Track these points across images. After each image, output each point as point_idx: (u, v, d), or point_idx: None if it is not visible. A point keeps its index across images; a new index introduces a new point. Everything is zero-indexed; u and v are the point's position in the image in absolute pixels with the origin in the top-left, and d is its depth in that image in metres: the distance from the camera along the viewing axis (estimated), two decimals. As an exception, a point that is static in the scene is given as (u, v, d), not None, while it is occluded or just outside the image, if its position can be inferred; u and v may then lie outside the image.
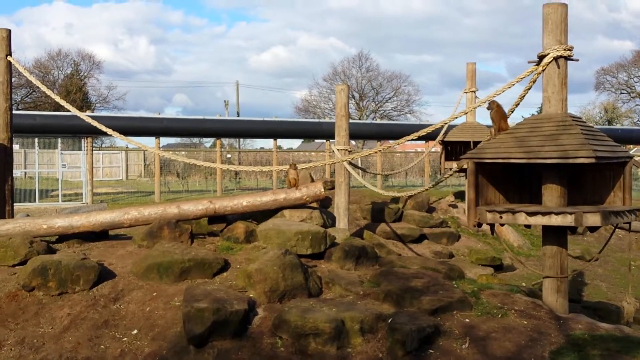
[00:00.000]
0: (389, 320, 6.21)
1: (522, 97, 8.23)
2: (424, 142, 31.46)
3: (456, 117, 9.77)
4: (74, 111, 10.75)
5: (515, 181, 7.93)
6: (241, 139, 53.04)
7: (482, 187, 7.59)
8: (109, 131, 10.71)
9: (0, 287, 6.95)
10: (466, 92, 20.01)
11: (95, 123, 10.52)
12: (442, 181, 9.67)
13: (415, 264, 8.58)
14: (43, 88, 10.97)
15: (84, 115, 10.87)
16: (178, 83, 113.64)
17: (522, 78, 8.00)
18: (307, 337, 5.99)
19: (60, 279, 6.85)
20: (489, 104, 8.03)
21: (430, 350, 5.96)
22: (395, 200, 18.81)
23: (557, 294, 7.43)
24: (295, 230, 8.02)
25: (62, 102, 10.61)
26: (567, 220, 6.92)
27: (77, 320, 6.46)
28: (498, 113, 7.90)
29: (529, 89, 7.99)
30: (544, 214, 7.04)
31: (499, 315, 6.73)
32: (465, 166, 7.46)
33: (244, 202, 9.00)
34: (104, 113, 47.06)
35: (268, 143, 55.10)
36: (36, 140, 26.70)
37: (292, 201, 9.16)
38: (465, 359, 5.84)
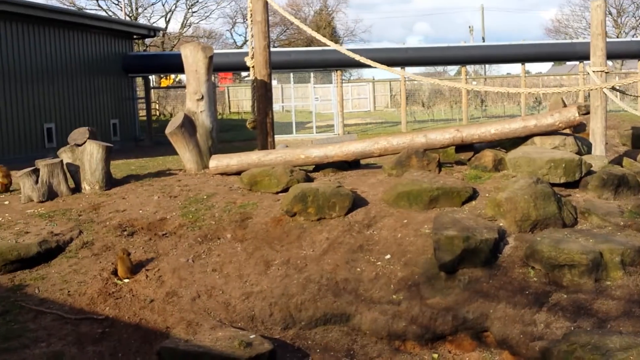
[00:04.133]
0: (654, 254, 5.81)
1: None
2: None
3: None
4: (330, 44, 11.04)
5: None
6: (486, 66, 51.52)
7: None
8: (369, 62, 10.69)
9: (267, 212, 7.62)
10: None
11: (352, 54, 10.57)
12: None
13: (685, 193, 7.82)
14: (297, 23, 11.48)
15: (341, 48, 11.14)
16: (418, 12, 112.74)
17: None
18: (562, 269, 5.82)
19: (319, 205, 7.32)
20: None
21: (702, 288, 5.49)
22: (660, 124, 17.17)
23: None
24: (547, 158, 7.71)
25: (317, 35, 10.92)
26: None
27: (334, 244, 6.90)
28: None
29: None
30: None
31: None
32: None
33: (491, 129, 8.82)
34: (351, 46, 48.43)
35: (515, 68, 52.82)
36: (291, 75, 28.33)
37: (543, 128, 8.78)
38: None
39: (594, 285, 5.70)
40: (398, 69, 25.92)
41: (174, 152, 10.18)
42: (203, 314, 6.19)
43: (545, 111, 9.10)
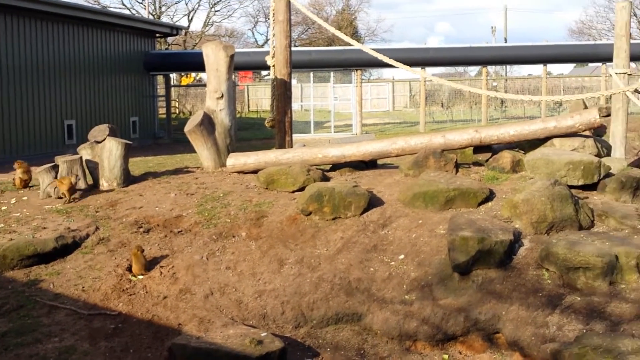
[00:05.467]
0: (671, 258, 5.73)
1: None
2: None
3: None
4: (354, 43, 11.00)
5: None
6: (507, 66, 51.21)
7: None
8: (391, 61, 10.65)
9: (282, 210, 7.63)
10: None
11: (375, 54, 10.56)
12: None
13: None
14: (320, 22, 11.45)
15: (365, 47, 11.09)
16: (440, 12, 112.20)
17: None
18: (576, 271, 5.77)
19: (334, 204, 7.32)
20: None
21: None
22: (683, 127, 16.96)
23: None
24: (565, 160, 7.64)
25: (340, 35, 10.88)
26: None
27: (349, 244, 6.89)
28: None
29: None
30: None
31: None
32: None
33: (510, 131, 8.76)
34: (372, 46, 48.35)
35: (537, 69, 52.34)
36: (311, 74, 28.35)
37: (563, 130, 8.71)
38: None
39: (608, 288, 5.64)
40: (419, 69, 25.83)
41: (192, 150, 10.24)
42: (215, 311, 6.21)
43: (565, 113, 9.01)
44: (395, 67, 11.04)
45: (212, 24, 55.73)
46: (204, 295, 6.42)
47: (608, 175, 7.71)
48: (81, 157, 8.84)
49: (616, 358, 4.43)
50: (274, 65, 10.89)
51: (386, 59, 10.18)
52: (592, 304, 5.48)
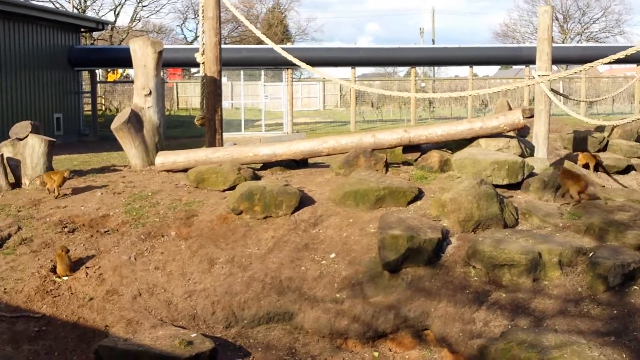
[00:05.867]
0: (590, 255, 5.95)
1: None
2: (635, 65, 28.86)
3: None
4: (271, 44, 11.02)
5: None
6: (435, 67, 52.19)
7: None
8: (301, 64, 10.68)
9: (212, 209, 7.55)
10: (688, 9, 17.98)
11: (285, 54, 10.59)
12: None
13: (621, 196, 8.05)
14: (246, 23, 11.39)
15: (276, 47, 11.08)
16: (370, 12, 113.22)
17: None
18: (502, 268, 5.92)
19: (265, 203, 7.30)
20: None
21: (635, 287, 5.66)
22: (600, 129, 17.64)
23: None
24: (491, 160, 7.84)
25: (262, 36, 10.90)
26: None
27: (280, 243, 6.88)
28: None
29: None
30: None
31: None
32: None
33: (438, 131, 8.93)
34: (302, 45, 48.39)
35: (463, 71, 53.61)
36: (241, 72, 28.16)
37: (488, 130, 8.93)
38: (674, 298, 5.47)
39: (532, 285, 5.82)
40: (349, 68, 26.03)
41: (119, 148, 10.02)
42: (144, 312, 6.10)
43: (491, 114, 9.23)
44: (300, 67, 11.00)
45: (139, 20, 54.55)
46: (132, 296, 6.29)
47: (531, 174, 7.96)
48: (2, 155, 8.53)
49: (540, 353, 4.57)
50: (203, 63, 10.76)
51: (296, 61, 10.27)
52: (517, 300, 5.64)
